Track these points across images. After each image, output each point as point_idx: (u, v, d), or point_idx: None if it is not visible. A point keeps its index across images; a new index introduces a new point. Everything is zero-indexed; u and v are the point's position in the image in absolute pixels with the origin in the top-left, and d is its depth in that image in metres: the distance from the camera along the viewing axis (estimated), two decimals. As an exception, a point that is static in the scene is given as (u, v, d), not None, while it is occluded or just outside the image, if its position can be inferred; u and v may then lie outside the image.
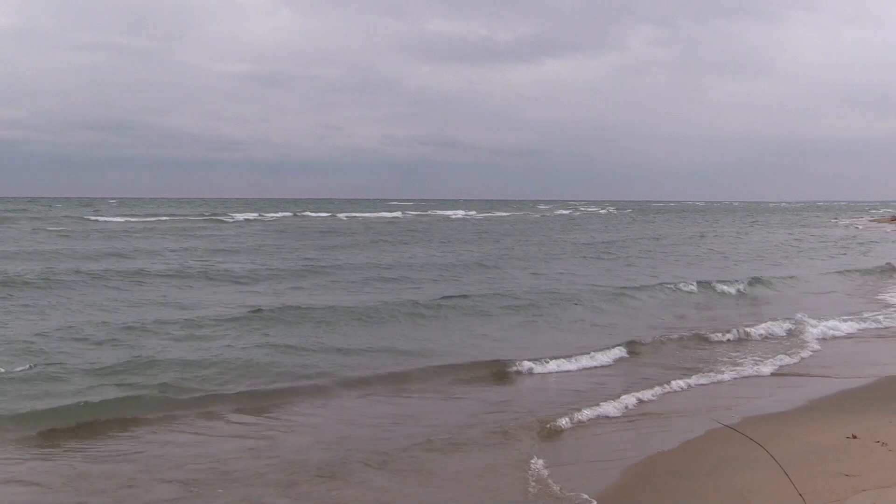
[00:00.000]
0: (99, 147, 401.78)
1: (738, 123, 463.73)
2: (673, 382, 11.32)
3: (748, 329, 15.47)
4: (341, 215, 79.84)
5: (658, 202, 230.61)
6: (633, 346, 13.78)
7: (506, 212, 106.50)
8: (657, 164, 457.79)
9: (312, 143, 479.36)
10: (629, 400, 10.38)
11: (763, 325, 15.89)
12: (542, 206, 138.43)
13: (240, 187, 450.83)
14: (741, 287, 22.32)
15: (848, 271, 27.58)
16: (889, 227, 66.37)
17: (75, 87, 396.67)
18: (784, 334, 15.41)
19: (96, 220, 59.09)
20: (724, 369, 12.38)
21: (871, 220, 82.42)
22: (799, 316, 16.35)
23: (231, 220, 65.03)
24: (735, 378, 11.99)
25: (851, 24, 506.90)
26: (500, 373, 12.02)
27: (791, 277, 25.47)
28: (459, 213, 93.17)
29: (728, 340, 14.87)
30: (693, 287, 21.69)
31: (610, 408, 10.02)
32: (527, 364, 12.21)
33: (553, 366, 12.35)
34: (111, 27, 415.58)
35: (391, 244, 40.08)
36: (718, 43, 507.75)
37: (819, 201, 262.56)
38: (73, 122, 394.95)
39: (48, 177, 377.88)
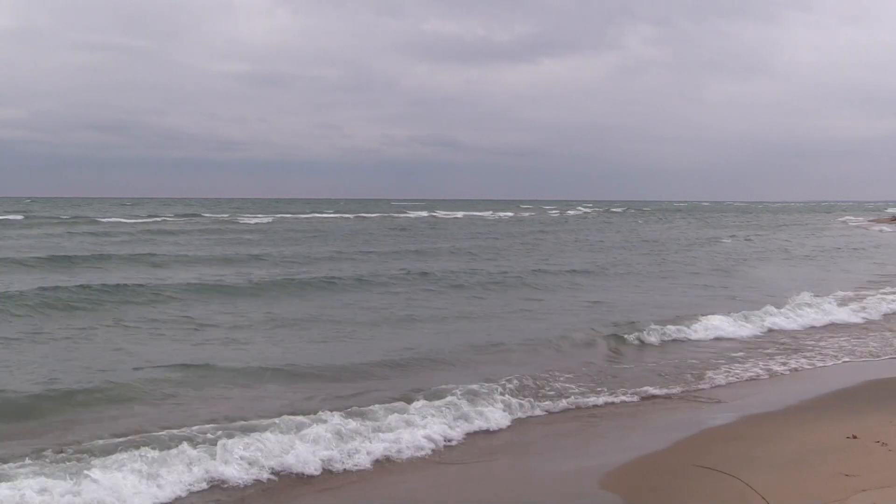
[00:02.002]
0: (98, 147, 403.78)
1: (737, 123, 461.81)
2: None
3: None
4: (349, 215, 79.73)
5: (658, 202, 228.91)
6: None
7: (516, 213, 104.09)
8: (656, 164, 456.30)
9: (311, 143, 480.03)
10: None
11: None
12: (546, 207, 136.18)
13: (239, 187, 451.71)
14: None
15: None
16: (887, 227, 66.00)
17: (75, 87, 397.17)
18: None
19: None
20: None
21: (869, 220, 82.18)
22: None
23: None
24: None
25: (850, 24, 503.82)
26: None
27: None
28: (488, 214, 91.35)
29: None
30: None
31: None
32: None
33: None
34: (110, 27, 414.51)
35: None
36: (717, 43, 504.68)
37: (820, 201, 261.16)
38: (72, 122, 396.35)
39: (48, 177, 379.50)
